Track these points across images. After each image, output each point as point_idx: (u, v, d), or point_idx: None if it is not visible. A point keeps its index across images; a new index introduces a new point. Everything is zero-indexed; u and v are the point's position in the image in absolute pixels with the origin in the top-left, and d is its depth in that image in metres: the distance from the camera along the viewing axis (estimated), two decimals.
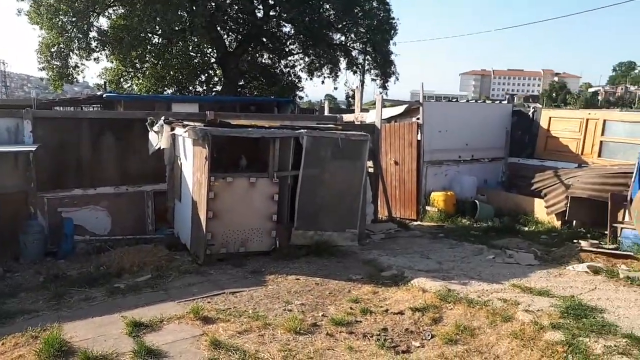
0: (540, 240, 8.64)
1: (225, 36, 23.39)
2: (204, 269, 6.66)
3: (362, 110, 11.72)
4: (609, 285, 5.95)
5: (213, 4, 19.68)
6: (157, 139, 8.02)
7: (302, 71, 24.80)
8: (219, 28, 22.11)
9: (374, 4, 22.70)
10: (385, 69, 24.07)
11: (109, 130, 8.31)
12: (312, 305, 5.43)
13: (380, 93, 20.18)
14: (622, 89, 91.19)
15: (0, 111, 8.34)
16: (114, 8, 20.37)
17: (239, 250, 7.11)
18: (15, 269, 6.75)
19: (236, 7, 21.79)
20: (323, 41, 22.46)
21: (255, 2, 22.31)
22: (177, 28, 19.82)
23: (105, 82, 22.42)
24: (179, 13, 19.08)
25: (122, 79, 22.34)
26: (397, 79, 24.69)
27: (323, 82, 26.02)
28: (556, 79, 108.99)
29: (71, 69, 20.73)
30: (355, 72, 25.19)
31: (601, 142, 10.69)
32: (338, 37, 23.75)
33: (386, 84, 24.54)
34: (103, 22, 20.93)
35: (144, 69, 21.95)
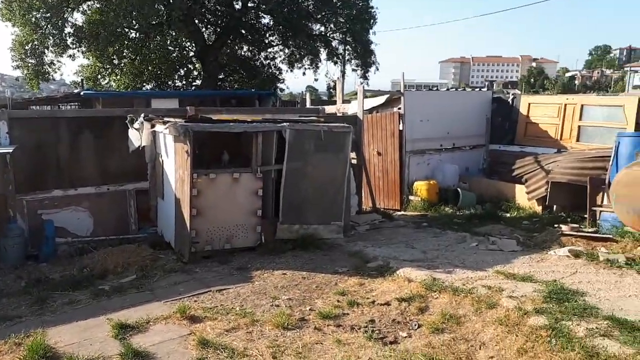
0: (522, 226, 8.75)
1: (204, 29, 23.10)
2: (189, 267, 6.62)
3: (344, 101, 11.70)
4: (590, 268, 6.06)
5: None
6: (138, 137, 7.90)
7: (282, 63, 24.71)
8: (197, 21, 21.80)
9: None
10: (365, 58, 24.07)
11: (87, 128, 8.15)
12: (300, 300, 5.44)
13: (362, 83, 20.17)
14: (598, 72, 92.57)
15: None
16: (89, 3, 19.99)
17: (224, 247, 7.07)
18: None
19: None
20: (303, 32, 22.33)
21: None
22: (154, 22, 19.50)
23: (82, 80, 21.96)
24: (156, 6, 18.78)
25: (99, 76, 21.94)
26: (378, 69, 24.76)
27: (304, 73, 25.98)
28: (534, 64, 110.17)
29: (47, 66, 20.32)
30: (335, 63, 25.18)
31: (579, 126, 10.85)
32: (318, 27, 23.67)
33: (367, 74, 24.59)
34: (78, 18, 20.54)
35: (122, 64, 21.57)
